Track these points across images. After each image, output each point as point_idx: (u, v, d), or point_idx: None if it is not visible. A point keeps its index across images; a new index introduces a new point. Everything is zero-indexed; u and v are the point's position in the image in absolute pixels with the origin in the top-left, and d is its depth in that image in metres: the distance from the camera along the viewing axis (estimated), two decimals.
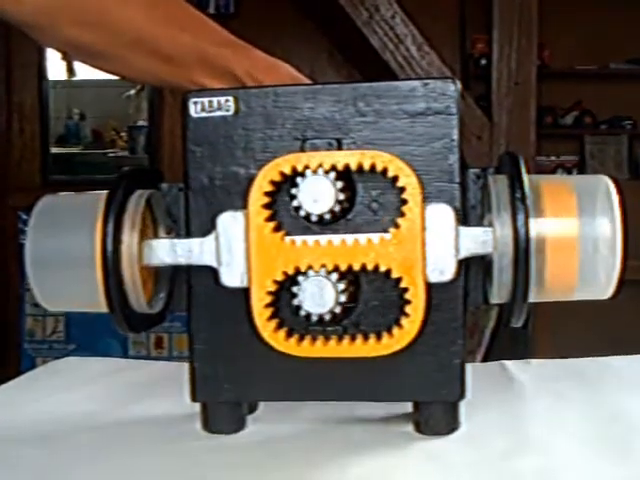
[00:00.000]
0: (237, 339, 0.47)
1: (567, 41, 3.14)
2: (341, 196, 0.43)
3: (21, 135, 2.82)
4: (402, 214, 0.43)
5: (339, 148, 0.45)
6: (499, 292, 0.45)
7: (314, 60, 2.96)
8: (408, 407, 0.49)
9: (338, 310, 0.43)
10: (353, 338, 0.44)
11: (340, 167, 0.43)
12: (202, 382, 0.48)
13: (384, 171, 0.43)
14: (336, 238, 0.44)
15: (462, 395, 0.47)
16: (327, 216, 0.44)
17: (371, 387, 0.47)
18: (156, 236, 0.48)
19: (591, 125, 3.35)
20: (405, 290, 0.43)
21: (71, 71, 3.55)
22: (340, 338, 0.44)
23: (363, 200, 0.45)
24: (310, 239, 0.44)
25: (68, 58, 2.96)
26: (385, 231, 0.44)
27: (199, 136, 0.47)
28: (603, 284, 0.44)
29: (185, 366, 0.49)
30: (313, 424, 0.51)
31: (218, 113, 0.47)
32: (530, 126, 2.04)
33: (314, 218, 0.44)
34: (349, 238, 0.44)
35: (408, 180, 0.43)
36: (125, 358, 0.89)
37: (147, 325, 0.48)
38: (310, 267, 0.43)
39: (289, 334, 0.44)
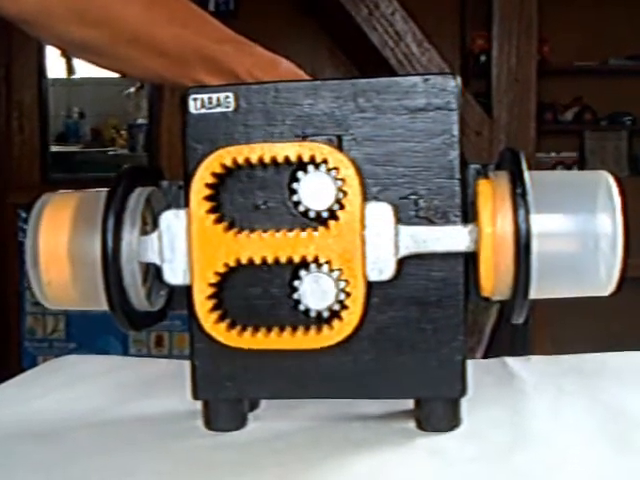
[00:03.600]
0: None
1: (567, 37, 3.14)
2: (341, 195, 0.43)
3: (21, 133, 2.82)
4: (342, 206, 0.43)
5: (339, 144, 0.45)
6: (500, 289, 0.44)
7: (314, 57, 2.95)
8: (409, 404, 0.49)
9: (337, 307, 0.43)
10: (294, 329, 0.44)
11: (280, 159, 0.44)
12: (203, 380, 0.48)
13: (324, 162, 0.43)
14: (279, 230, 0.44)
15: (463, 391, 0.47)
16: (325, 214, 0.44)
17: (372, 384, 0.47)
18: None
19: (591, 121, 3.35)
20: (345, 282, 0.43)
21: (71, 69, 3.54)
22: (282, 329, 0.44)
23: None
24: (252, 231, 0.44)
25: (68, 55, 2.96)
26: (325, 224, 0.44)
27: (199, 133, 0.47)
28: (604, 281, 0.44)
29: (186, 364, 0.49)
30: (314, 421, 0.51)
31: (218, 109, 0.46)
32: (530, 122, 2.03)
33: (312, 214, 0.44)
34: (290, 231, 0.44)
35: (347, 172, 0.43)
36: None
37: (148, 323, 0.48)
38: (251, 259, 0.44)
39: (231, 325, 0.45)
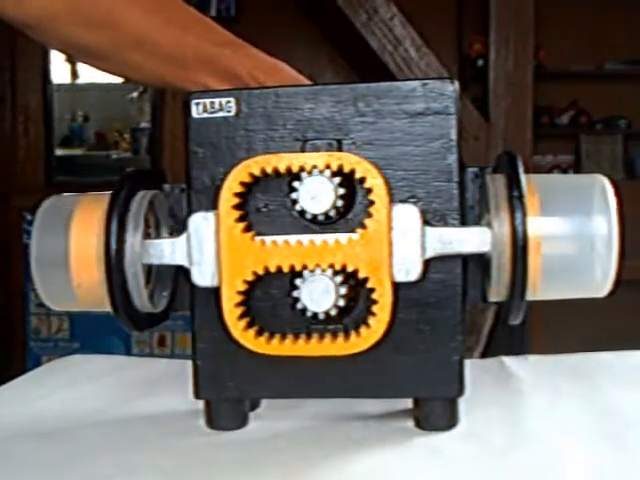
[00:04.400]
0: None
1: (563, 42, 3.15)
2: (339, 202, 0.44)
3: (26, 137, 2.83)
4: (369, 215, 0.44)
5: (339, 148, 0.46)
6: (497, 290, 0.45)
7: (314, 62, 2.96)
8: (408, 403, 0.50)
9: (334, 312, 0.44)
10: (322, 337, 0.45)
11: (308, 168, 0.44)
12: (205, 380, 0.49)
13: (352, 172, 0.44)
14: (305, 239, 0.44)
15: (461, 391, 0.47)
16: (321, 217, 0.44)
17: (372, 384, 0.48)
18: (159, 237, 0.49)
19: (587, 125, 3.36)
20: (372, 290, 0.44)
21: (75, 74, 3.56)
22: (309, 337, 0.45)
23: (363, 200, 0.46)
24: (279, 239, 0.44)
25: (72, 60, 2.97)
26: (353, 232, 0.44)
27: (201, 137, 0.47)
28: (599, 282, 0.45)
29: (188, 363, 0.50)
30: (314, 421, 0.51)
31: (220, 114, 0.47)
32: (526, 126, 2.05)
33: (309, 216, 0.45)
34: (317, 239, 0.44)
35: (375, 181, 0.44)
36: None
37: (151, 323, 0.49)
38: (279, 267, 0.44)
39: (259, 333, 0.45)
